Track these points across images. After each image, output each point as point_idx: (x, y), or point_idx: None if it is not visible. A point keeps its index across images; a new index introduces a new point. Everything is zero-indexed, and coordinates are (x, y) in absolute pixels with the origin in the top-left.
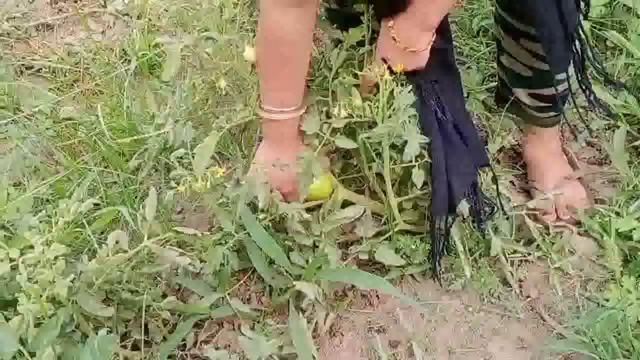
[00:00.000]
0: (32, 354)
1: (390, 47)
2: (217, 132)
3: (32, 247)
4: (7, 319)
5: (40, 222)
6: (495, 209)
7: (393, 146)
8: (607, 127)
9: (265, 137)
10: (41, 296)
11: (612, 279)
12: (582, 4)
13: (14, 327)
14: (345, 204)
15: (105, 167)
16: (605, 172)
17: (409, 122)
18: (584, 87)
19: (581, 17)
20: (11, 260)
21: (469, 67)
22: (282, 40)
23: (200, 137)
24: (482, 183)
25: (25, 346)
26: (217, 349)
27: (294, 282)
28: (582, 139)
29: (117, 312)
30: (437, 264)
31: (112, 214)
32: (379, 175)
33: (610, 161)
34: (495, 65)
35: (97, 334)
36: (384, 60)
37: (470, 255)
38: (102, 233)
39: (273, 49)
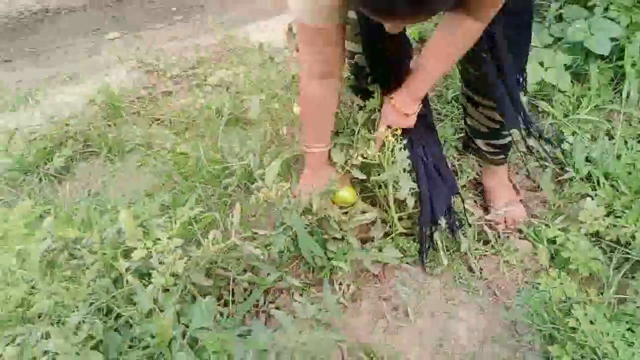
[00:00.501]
0: (161, 310)
1: (391, 112)
2: (279, 160)
3: (159, 239)
4: (145, 286)
5: (165, 222)
6: (463, 221)
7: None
8: (539, 165)
9: (307, 164)
10: (166, 272)
11: (542, 270)
12: (521, 80)
13: (149, 292)
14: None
15: (206, 185)
16: (539, 196)
17: (404, 170)
18: (524, 139)
19: (522, 95)
20: (147, 248)
21: (445, 124)
22: (313, 101)
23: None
24: (454, 203)
25: (156, 304)
26: (277, 308)
27: (332, 262)
28: (522, 173)
29: (214, 283)
30: (423, 256)
31: (210, 217)
32: (385, 196)
33: (542, 189)
34: (462, 123)
35: (203, 297)
36: (388, 127)
37: (447, 251)
38: (205, 229)
39: (307, 107)
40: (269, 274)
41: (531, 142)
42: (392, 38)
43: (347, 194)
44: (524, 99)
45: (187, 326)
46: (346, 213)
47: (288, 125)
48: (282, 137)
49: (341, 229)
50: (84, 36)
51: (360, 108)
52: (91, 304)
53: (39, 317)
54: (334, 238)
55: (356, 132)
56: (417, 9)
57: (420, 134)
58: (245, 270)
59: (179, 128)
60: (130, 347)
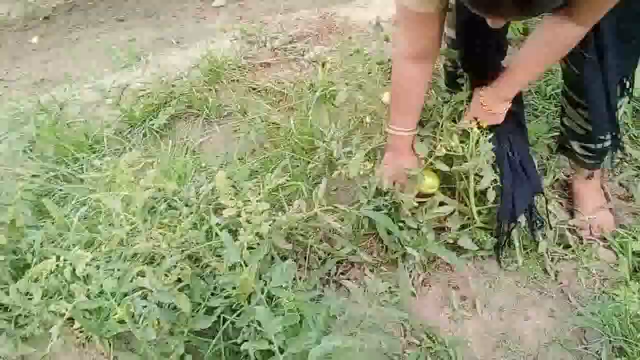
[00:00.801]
0: (245, 265)
1: (478, 109)
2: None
3: (249, 201)
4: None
5: (255, 185)
6: (544, 222)
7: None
8: (635, 174)
9: (390, 147)
10: (252, 232)
11: (622, 282)
12: (627, 84)
13: (237, 248)
14: (442, 203)
15: (293, 155)
16: (630, 206)
17: (487, 162)
18: (620, 146)
19: (627, 100)
20: (237, 207)
21: (540, 120)
22: (405, 83)
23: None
24: (538, 203)
25: (241, 258)
26: (348, 279)
27: (406, 248)
28: (617, 181)
29: (293, 248)
30: (499, 252)
31: (295, 186)
32: (465, 189)
33: (635, 199)
34: (559, 121)
35: (283, 260)
36: (475, 118)
37: (523, 250)
38: (288, 197)
39: (399, 88)
40: (343, 247)
41: (630, 149)
42: (490, 32)
43: (429, 180)
44: (628, 105)
45: (266, 283)
46: (424, 203)
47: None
48: (365, 126)
49: (416, 219)
50: (192, 2)
51: (446, 101)
52: (183, 251)
53: (134, 256)
54: (409, 227)
55: (440, 124)
56: (523, 8)
57: (509, 130)
58: (321, 240)
59: (273, 99)
60: (212, 294)
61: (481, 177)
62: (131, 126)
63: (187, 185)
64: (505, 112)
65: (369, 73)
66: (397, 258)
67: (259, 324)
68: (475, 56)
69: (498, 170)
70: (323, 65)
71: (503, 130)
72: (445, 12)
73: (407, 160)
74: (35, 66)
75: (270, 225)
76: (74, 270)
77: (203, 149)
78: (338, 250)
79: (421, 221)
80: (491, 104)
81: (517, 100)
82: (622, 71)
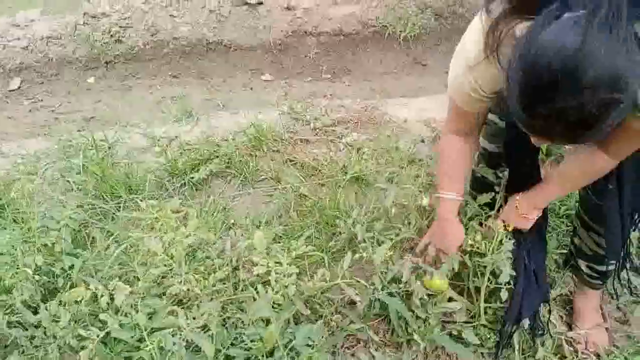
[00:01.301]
0: (269, 322)
1: (512, 212)
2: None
3: (280, 262)
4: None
5: (281, 249)
6: (545, 330)
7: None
8: (633, 300)
9: (437, 215)
10: (279, 291)
11: None
12: (637, 218)
13: (268, 303)
14: (450, 299)
15: (317, 228)
16: (625, 329)
17: (507, 260)
18: (623, 271)
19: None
20: (268, 267)
21: (551, 236)
22: (449, 151)
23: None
24: (542, 311)
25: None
26: (352, 355)
27: (412, 334)
28: (615, 304)
29: (311, 312)
30: (499, 351)
31: (319, 256)
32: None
33: (630, 324)
34: (568, 240)
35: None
36: (503, 221)
37: (522, 354)
38: (310, 265)
39: (443, 155)
40: (352, 322)
41: (631, 275)
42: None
43: (439, 282)
44: (635, 234)
45: (290, 341)
46: (434, 296)
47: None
48: (390, 214)
49: (426, 310)
50: (244, 72)
51: (468, 202)
52: (212, 299)
53: (164, 294)
54: (417, 317)
55: (464, 223)
56: (570, 138)
57: (530, 238)
58: (333, 313)
59: (306, 172)
60: (232, 344)
61: (495, 276)
62: (171, 175)
63: (223, 239)
64: (535, 219)
65: (402, 168)
66: (402, 342)
67: None
68: (515, 167)
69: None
70: (358, 150)
71: (525, 238)
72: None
73: (454, 230)
74: (87, 104)
75: (296, 288)
76: (110, 300)
77: (234, 207)
78: (348, 325)
79: (429, 313)
80: (525, 209)
81: (543, 213)
82: (637, 206)
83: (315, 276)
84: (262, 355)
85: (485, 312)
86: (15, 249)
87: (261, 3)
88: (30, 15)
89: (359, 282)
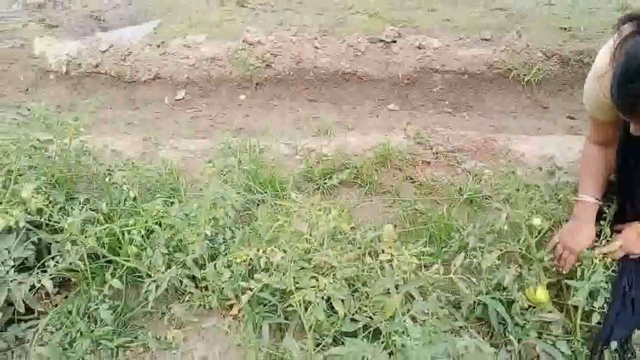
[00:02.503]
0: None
1: (634, 237)
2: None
3: (402, 253)
4: None
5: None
6: (634, 355)
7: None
8: None
9: (574, 215)
10: (400, 274)
11: None
12: None
13: (392, 277)
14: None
15: (429, 240)
16: None
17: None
18: None
19: None
20: (391, 254)
21: None
22: (590, 158)
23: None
24: (634, 336)
25: (393, 285)
26: None
27: (510, 337)
28: None
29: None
30: None
31: (432, 259)
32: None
33: None
34: None
35: None
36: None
37: None
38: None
39: (585, 161)
40: (456, 319)
41: None
42: None
43: (542, 295)
44: None
45: (408, 310)
46: (533, 307)
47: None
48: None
49: (524, 318)
50: (373, 101)
51: None
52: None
53: (308, 263)
54: (516, 323)
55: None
56: None
57: (636, 266)
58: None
59: (423, 191)
60: (355, 312)
61: (593, 297)
62: (307, 180)
63: (354, 230)
64: None
65: (518, 190)
66: (498, 345)
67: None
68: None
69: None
70: (475, 175)
71: (630, 265)
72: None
73: (587, 231)
74: (238, 118)
75: (414, 274)
76: (266, 262)
77: (356, 213)
78: (453, 322)
79: (528, 320)
80: None
81: None
82: None
83: (430, 269)
84: (382, 321)
85: (581, 328)
86: (190, 219)
87: (395, 41)
88: (198, 39)
89: (469, 278)
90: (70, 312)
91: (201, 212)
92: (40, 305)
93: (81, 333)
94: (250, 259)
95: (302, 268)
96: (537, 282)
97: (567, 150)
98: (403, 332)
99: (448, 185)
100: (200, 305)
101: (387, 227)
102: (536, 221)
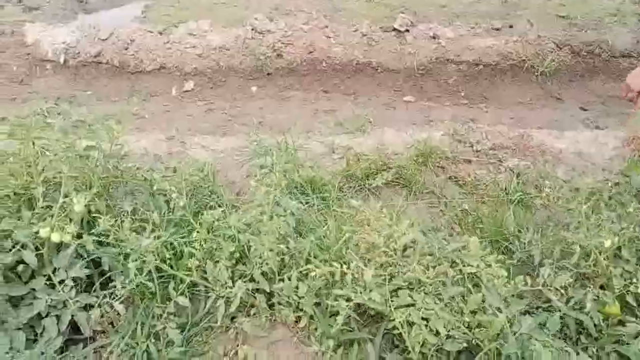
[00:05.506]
0: (499, 311)
1: None
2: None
3: (490, 265)
4: None
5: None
6: None
7: None
8: None
9: None
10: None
11: None
12: None
13: (497, 295)
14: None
15: (482, 242)
16: None
17: None
18: None
19: None
20: (478, 267)
21: None
22: None
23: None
24: None
25: (501, 304)
26: None
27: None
28: None
29: None
30: None
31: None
32: None
33: None
34: None
35: None
36: None
37: None
38: None
39: None
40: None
41: None
42: None
43: (614, 309)
44: None
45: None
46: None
47: None
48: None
49: (599, 330)
50: (388, 92)
51: None
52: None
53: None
54: (590, 334)
55: None
56: None
57: None
58: None
59: (467, 190)
60: (452, 328)
61: None
62: (347, 180)
63: (429, 239)
64: None
65: (561, 188)
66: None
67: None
68: None
69: None
70: (518, 175)
71: None
72: None
73: None
74: (253, 110)
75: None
76: (352, 277)
77: (403, 214)
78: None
79: (602, 332)
80: None
81: None
82: None
83: (517, 279)
84: (485, 341)
85: None
86: (253, 229)
87: (408, 30)
88: (203, 26)
89: (557, 289)
90: (134, 332)
91: (264, 223)
92: (99, 324)
93: (148, 354)
94: (331, 273)
95: (399, 288)
96: (614, 300)
97: (602, 146)
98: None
99: (492, 183)
100: (266, 318)
101: (472, 240)
102: (607, 244)
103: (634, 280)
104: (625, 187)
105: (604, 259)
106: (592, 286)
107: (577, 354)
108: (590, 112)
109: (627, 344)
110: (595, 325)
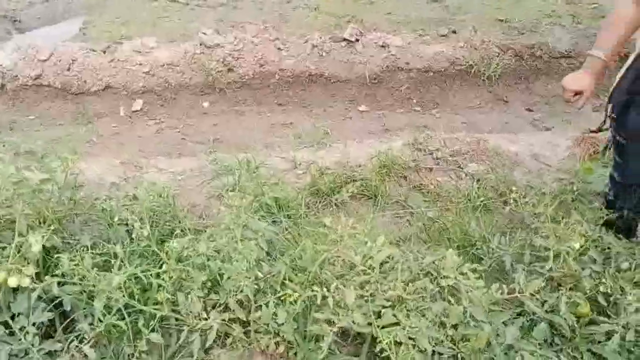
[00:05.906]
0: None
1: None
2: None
3: (467, 274)
4: None
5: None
6: None
7: None
8: None
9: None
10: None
11: None
12: None
13: (481, 308)
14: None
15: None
16: None
17: None
18: None
19: None
20: (456, 279)
21: None
22: (618, 11)
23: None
24: None
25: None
26: None
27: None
28: None
29: None
30: None
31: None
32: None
33: None
34: None
35: None
36: None
37: None
38: None
39: (611, 16)
40: None
41: None
42: None
43: (585, 309)
44: None
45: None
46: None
47: None
48: None
49: (572, 331)
50: (342, 102)
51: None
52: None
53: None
54: (563, 336)
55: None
56: None
57: None
58: None
59: (431, 198)
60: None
61: None
62: (312, 195)
63: (405, 254)
64: None
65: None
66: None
67: None
68: None
69: None
70: (478, 180)
71: None
72: None
73: (579, 77)
74: (206, 127)
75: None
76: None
77: (368, 225)
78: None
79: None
80: None
81: None
82: None
83: (493, 288)
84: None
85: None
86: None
87: (358, 40)
88: (149, 42)
89: (531, 295)
90: None
91: (235, 248)
92: None
93: None
94: (309, 297)
95: (383, 307)
96: (585, 301)
97: (555, 147)
98: None
99: (454, 190)
100: (243, 348)
101: (448, 253)
102: (576, 246)
103: (603, 280)
104: (584, 186)
105: (572, 260)
106: (563, 289)
107: None
108: (536, 113)
109: (599, 342)
110: (569, 326)
